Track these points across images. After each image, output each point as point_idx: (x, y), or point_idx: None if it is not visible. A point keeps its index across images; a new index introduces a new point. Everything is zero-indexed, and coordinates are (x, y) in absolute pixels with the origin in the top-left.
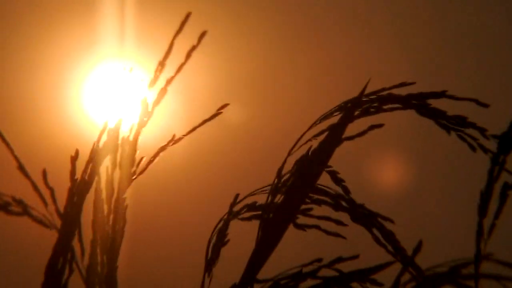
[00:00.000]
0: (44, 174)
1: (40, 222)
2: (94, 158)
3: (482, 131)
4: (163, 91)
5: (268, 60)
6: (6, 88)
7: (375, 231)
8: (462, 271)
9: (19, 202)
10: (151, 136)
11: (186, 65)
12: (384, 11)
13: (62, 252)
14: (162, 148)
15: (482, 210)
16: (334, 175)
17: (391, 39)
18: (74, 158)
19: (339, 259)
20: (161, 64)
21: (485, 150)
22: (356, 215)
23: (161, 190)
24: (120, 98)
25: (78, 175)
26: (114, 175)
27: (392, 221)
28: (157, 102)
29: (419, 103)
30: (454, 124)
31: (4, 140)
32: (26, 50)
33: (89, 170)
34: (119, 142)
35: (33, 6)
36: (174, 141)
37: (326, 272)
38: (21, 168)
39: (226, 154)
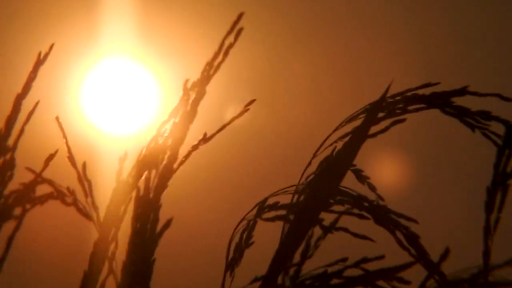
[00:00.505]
0: (84, 167)
1: (84, 214)
2: (141, 162)
3: (506, 123)
4: (203, 91)
5: (277, 60)
6: (3, 87)
7: (398, 233)
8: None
9: (72, 193)
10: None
11: (187, 66)
12: (400, 9)
13: (103, 251)
14: (194, 148)
15: (489, 205)
16: (358, 173)
17: (409, 39)
18: (122, 160)
19: (365, 260)
20: (210, 65)
21: None
22: (379, 217)
23: (171, 194)
24: (120, 97)
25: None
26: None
27: (416, 222)
28: (197, 100)
29: (443, 101)
30: (478, 121)
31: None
32: (24, 48)
33: (134, 173)
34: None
35: (32, 2)
36: (205, 139)
37: (351, 273)
38: (70, 158)
39: (237, 156)
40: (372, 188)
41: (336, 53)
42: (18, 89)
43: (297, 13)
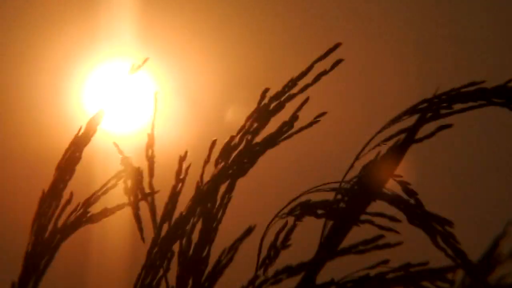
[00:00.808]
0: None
1: (143, 194)
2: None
3: None
4: (295, 117)
5: (277, 60)
6: (6, 87)
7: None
8: None
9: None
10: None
11: (187, 66)
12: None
13: (164, 253)
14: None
15: None
16: (405, 186)
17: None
18: (182, 159)
19: (408, 265)
20: (293, 83)
21: None
22: (414, 217)
23: (188, 192)
24: (121, 97)
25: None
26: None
27: (452, 224)
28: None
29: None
30: None
31: None
32: (26, 48)
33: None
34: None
35: (34, 3)
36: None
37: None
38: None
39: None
40: (419, 204)
41: (336, 53)
42: (18, 88)
43: (297, 13)
